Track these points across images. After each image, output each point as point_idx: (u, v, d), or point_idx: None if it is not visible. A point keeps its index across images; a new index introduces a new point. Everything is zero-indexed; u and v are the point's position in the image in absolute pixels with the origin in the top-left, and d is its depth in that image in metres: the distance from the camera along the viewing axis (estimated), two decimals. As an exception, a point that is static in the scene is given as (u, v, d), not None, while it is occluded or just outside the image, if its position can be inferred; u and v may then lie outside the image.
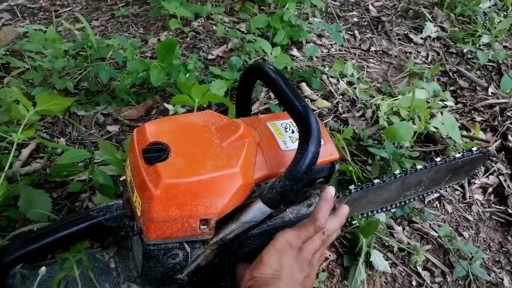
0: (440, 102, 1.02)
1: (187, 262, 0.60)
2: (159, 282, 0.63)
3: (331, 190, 0.61)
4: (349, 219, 0.80)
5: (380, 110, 1.04)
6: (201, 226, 0.56)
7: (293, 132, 0.64)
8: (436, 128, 0.92)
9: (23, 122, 0.78)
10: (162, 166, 0.53)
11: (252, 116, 0.72)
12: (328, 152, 0.63)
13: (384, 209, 0.84)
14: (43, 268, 0.59)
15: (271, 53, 1.15)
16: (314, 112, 1.09)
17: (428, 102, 1.09)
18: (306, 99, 1.11)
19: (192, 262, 0.61)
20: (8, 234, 0.72)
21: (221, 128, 0.60)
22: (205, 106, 0.93)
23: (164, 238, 0.55)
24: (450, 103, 1.16)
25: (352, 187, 0.77)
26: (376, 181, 0.76)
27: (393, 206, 0.85)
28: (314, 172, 0.59)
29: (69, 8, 1.65)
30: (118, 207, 0.61)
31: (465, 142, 1.01)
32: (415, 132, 0.90)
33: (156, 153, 0.54)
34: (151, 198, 0.52)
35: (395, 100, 1.07)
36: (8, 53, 1.20)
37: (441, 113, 1.00)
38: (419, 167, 0.80)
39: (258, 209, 0.58)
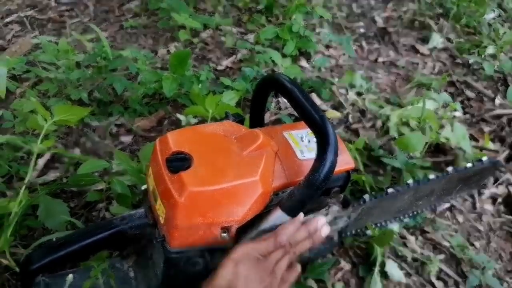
0: (453, 113, 1.03)
1: (207, 271, 0.60)
2: None
3: (318, 220, 0.61)
4: (363, 229, 0.81)
5: (390, 121, 1.05)
6: (222, 234, 0.57)
7: (309, 141, 0.66)
8: (447, 138, 0.93)
9: (41, 132, 0.78)
10: (186, 175, 0.54)
11: (268, 126, 0.73)
12: (344, 161, 0.64)
13: (398, 219, 0.85)
14: (70, 276, 0.61)
15: (281, 64, 1.16)
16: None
17: (437, 113, 1.11)
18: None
19: (211, 271, 0.62)
20: (28, 242, 0.73)
21: (241, 138, 0.62)
22: (217, 117, 0.94)
23: (187, 245, 0.57)
24: (458, 113, 1.17)
25: (366, 196, 0.78)
26: (389, 190, 0.77)
27: (406, 216, 0.86)
28: (332, 182, 0.61)
29: (78, 19, 1.67)
30: (141, 216, 0.63)
31: (474, 153, 1.02)
32: (426, 143, 0.91)
33: (179, 162, 0.56)
34: (175, 205, 0.54)
35: (404, 110, 1.08)
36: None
37: (451, 124, 1.01)
38: (431, 177, 0.81)
39: (277, 217, 0.59)
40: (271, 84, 0.68)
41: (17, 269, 0.70)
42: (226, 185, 0.55)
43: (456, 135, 0.88)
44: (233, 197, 0.56)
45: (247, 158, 0.59)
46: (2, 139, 0.74)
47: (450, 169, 0.82)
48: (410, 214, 0.87)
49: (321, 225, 0.61)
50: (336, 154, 0.55)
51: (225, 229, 0.57)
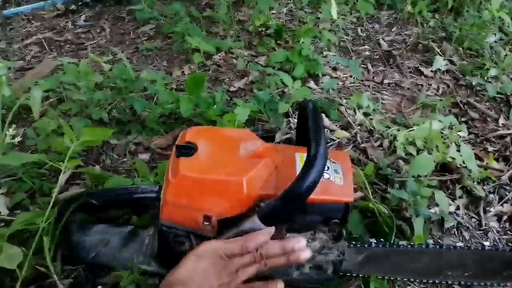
0: (458, 134, 1.07)
1: None
2: (170, 267, 0.70)
3: (296, 241, 0.61)
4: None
5: (397, 141, 1.09)
6: (204, 222, 0.64)
7: None
8: (453, 158, 0.96)
9: (67, 152, 0.82)
10: (184, 161, 0.64)
11: (289, 145, 0.78)
12: (343, 192, 0.66)
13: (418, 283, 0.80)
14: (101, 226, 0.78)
15: (292, 86, 1.21)
16: (334, 141, 1.15)
17: (442, 133, 1.15)
18: (326, 130, 1.17)
19: None
20: (54, 255, 0.76)
21: (246, 144, 0.69)
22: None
23: (174, 222, 0.65)
24: (463, 133, 1.21)
25: (373, 240, 0.79)
26: (402, 243, 0.77)
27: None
28: (327, 210, 0.66)
29: (94, 41, 1.74)
30: (157, 191, 0.72)
31: (479, 172, 1.06)
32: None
33: (185, 149, 0.66)
34: (168, 183, 0.64)
35: (410, 131, 1.13)
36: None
37: (455, 144, 1.05)
38: (458, 244, 0.80)
39: (253, 221, 0.63)
40: (304, 108, 0.74)
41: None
42: (214, 177, 0.63)
43: (464, 155, 0.92)
44: (217, 190, 0.63)
45: (243, 161, 0.66)
46: (32, 157, 0.78)
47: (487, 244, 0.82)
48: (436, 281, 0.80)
49: (299, 246, 0.60)
50: (318, 176, 0.58)
51: (207, 219, 0.64)
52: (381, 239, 0.83)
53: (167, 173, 0.66)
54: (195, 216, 0.64)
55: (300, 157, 0.70)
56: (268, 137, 0.75)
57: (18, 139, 0.65)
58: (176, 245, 0.68)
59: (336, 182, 0.67)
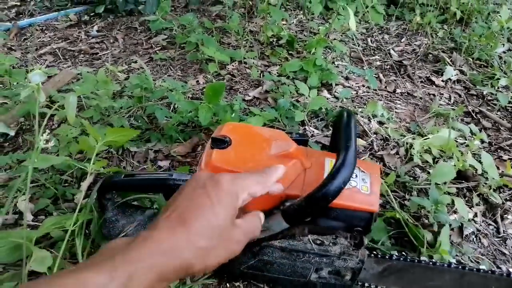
0: (478, 142, 1.09)
1: None
2: None
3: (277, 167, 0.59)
4: None
5: (413, 149, 1.10)
6: None
7: None
8: (472, 166, 0.98)
9: (92, 154, 0.83)
10: (217, 152, 0.66)
11: (321, 150, 0.79)
12: (368, 201, 0.66)
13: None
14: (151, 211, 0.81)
15: (308, 95, 1.23)
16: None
17: (456, 141, 1.16)
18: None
19: None
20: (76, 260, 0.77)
21: (278, 143, 0.70)
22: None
23: None
24: (477, 142, 1.22)
25: (395, 253, 0.79)
26: (423, 258, 0.78)
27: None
28: (351, 217, 0.66)
29: (108, 51, 1.77)
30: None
31: (495, 179, 1.07)
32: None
33: (219, 142, 0.68)
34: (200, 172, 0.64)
35: (426, 139, 1.14)
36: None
37: (471, 152, 1.07)
38: (481, 267, 0.78)
39: (277, 219, 0.64)
40: (339, 116, 0.76)
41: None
42: (241, 171, 0.63)
43: (485, 163, 0.93)
44: None
45: (273, 159, 0.66)
46: (59, 160, 0.79)
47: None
48: None
49: (278, 171, 0.58)
50: (344, 181, 0.59)
51: None
52: (403, 252, 0.84)
53: (200, 163, 0.68)
54: None
55: (330, 163, 0.70)
56: (301, 141, 0.76)
57: (51, 144, 0.66)
58: None
59: (363, 191, 0.68)
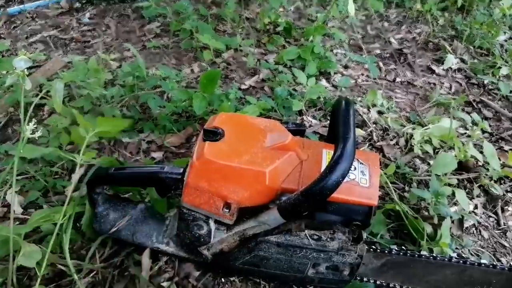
0: (479, 132, 1.06)
1: (210, 239, 0.69)
2: (188, 249, 0.73)
3: None
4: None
5: (413, 139, 1.08)
6: (224, 209, 0.64)
7: None
8: (474, 156, 0.95)
9: (82, 144, 0.80)
10: (209, 145, 0.64)
11: (318, 140, 0.76)
12: (367, 195, 0.63)
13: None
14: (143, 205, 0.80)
15: (306, 84, 1.20)
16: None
17: (457, 131, 1.14)
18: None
19: (218, 244, 0.69)
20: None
21: (273, 135, 0.67)
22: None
23: (194, 205, 0.64)
24: (479, 132, 1.20)
25: (394, 247, 0.77)
26: (424, 253, 0.76)
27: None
28: (349, 211, 0.64)
29: (100, 39, 1.72)
30: (181, 173, 0.71)
31: (496, 170, 1.05)
32: (452, 160, 0.93)
33: (212, 134, 0.65)
34: (191, 165, 0.63)
35: (426, 129, 1.11)
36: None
37: (473, 142, 1.04)
38: (483, 261, 0.76)
39: (272, 214, 0.63)
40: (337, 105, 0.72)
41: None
42: (236, 165, 0.61)
43: (486, 153, 0.91)
44: (239, 178, 0.62)
45: (268, 152, 0.64)
46: (47, 150, 0.76)
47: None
48: None
49: None
50: (342, 175, 0.57)
51: (227, 206, 0.63)
52: (403, 246, 0.82)
53: (192, 155, 0.65)
54: (216, 202, 0.64)
55: (328, 154, 0.68)
56: (297, 131, 0.73)
57: (38, 134, 0.63)
58: (194, 228, 0.68)
59: (361, 184, 0.65)
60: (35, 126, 0.60)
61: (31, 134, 0.62)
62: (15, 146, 1.03)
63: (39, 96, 0.70)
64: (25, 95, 0.98)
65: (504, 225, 1.00)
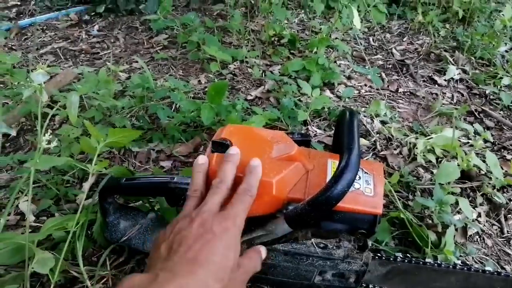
0: (482, 142, 1.08)
1: None
2: None
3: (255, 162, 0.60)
4: None
5: (416, 148, 1.10)
6: None
7: None
8: (476, 166, 0.97)
9: (94, 155, 0.82)
10: (218, 156, 0.64)
11: (323, 150, 0.78)
12: (372, 204, 0.65)
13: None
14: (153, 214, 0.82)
15: (311, 94, 1.22)
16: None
17: (459, 140, 1.16)
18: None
19: None
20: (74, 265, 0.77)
21: (280, 146, 0.69)
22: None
23: None
24: (481, 141, 1.22)
25: (399, 254, 0.79)
26: (428, 260, 0.77)
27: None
28: (355, 220, 0.65)
29: (109, 51, 1.76)
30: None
31: (499, 179, 1.06)
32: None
33: (219, 145, 0.66)
34: None
35: (429, 139, 1.13)
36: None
37: (474, 152, 1.06)
38: (487, 268, 0.77)
39: (279, 223, 0.64)
40: (342, 116, 0.75)
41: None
42: (243, 176, 0.61)
43: (489, 162, 0.92)
44: None
45: (274, 163, 0.65)
46: (61, 160, 0.79)
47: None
48: None
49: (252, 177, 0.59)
50: (347, 185, 0.58)
51: None
52: (408, 254, 0.83)
53: None
54: None
55: (333, 164, 0.70)
56: (303, 141, 0.75)
57: (53, 144, 0.66)
58: None
59: (366, 193, 0.67)
60: (50, 136, 0.63)
61: (46, 144, 0.64)
62: (28, 156, 1.06)
63: (54, 108, 0.72)
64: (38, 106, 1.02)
65: (508, 233, 1.01)
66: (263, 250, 0.63)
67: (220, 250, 0.49)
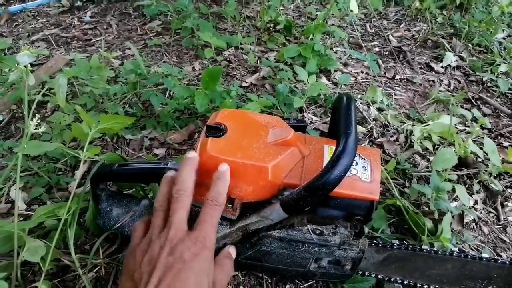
0: (479, 128, 1.07)
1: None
2: None
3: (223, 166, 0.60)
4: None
5: (413, 135, 1.08)
6: (227, 204, 0.63)
7: None
8: (474, 152, 0.96)
9: (86, 142, 0.80)
10: (212, 141, 0.63)
11: (319, 136, 0.76)
12: (369, 189, 0.64)
13: None
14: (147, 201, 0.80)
15: (307, 81, 1.21)
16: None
17: (456, 127, 1.15)
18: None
19: (221, 239, 0.69)
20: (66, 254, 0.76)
21: (275, 131, 0.68)
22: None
23: (197, 201, 0.63)
24: (478, 128, 1.21)
25: (396, 242, 0.78)
26: (425, 247, 0.76)
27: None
28: (351, 206, 0.64)
29: (101, 37, 1.73)
30: None
31: (496, 166, 1.06)
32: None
33: (214, 130, 0.65)
34: None
35: (426, 125, 1.12)
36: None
37: (473, 138, 1.05)
38: (484, 255, 0.77)
39: (275, 209, 0.63)
40: (338, 101, 0.73)
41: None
42: (239, 161, 0.61)
43: (487, 149, 0.92)
44: (242, 173, 0.62)
45: (269, 148, 0.64)
46: (52, 146, 0.77)
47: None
48: None
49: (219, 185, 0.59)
50: (344, 170, 0.57)
51: (230, 201, 0.63)
52: (404, 241, 0.82)
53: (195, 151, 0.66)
54: None
55: (329, 150, 0.68)
56: (299, 127, 0.73)
57: (42, 129, 0.64)
58: None
59: (363, 179, 0.66)
60: (38, 121, 0.61)
61: (34, 129, 0.62)
62: (18, 143, 1.04)
63: (41, 93, 0.70)
64: (28, 92, 0.99)
65: (504, 220, 1.01)
66: (232, 251, 0.63)
67: (192, 279, 0.48)
